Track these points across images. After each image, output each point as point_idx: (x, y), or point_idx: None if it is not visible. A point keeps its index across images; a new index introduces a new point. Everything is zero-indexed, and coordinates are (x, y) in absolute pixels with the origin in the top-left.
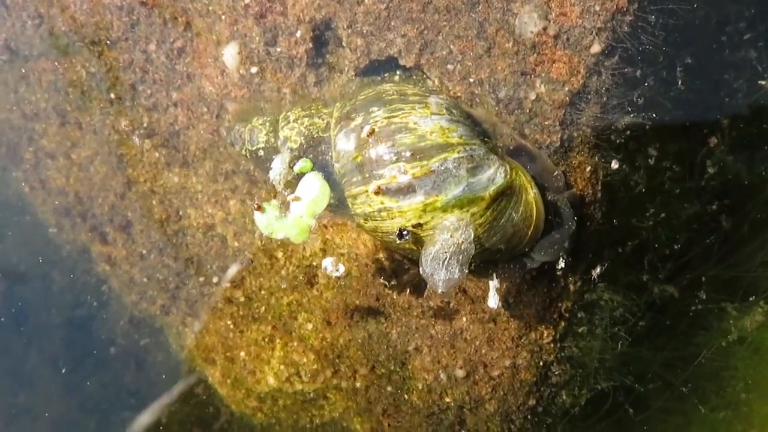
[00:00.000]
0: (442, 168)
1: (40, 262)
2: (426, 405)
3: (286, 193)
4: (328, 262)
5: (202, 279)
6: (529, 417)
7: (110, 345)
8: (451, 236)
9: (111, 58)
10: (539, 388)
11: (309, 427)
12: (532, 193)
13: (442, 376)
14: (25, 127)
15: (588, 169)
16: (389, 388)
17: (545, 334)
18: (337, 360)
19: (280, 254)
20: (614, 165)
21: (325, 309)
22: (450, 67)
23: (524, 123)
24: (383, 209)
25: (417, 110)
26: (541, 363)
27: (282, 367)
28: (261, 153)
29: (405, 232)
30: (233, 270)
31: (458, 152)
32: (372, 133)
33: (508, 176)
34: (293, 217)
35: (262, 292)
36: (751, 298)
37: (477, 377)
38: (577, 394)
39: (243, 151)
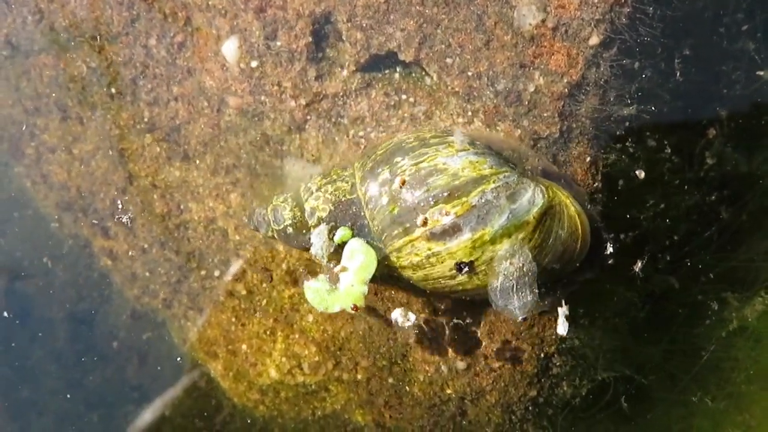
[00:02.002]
0: (483, 201)
1: (43, 257)
2: (427, 396)
3: (331, 266)
4: (397, 314)
5: (203, 272)
6: (530, 408)
7: (113, 339)
8: (510, 264)
9: (111, 53)
10: (540, 379)
11: (311, 420)
12: (573, 208)
13: (443, 367)
14: (27, 122)
15: (587, 159)
16: (390, 380)
17: (546, 326)
18: (338, 352)
19: (281, 247)
20: (641, 175)
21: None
22: (449, 60)
23: (523, 115)
24: (432, 255)
25: (442, 151)
26: (542, 354)
27: (283, 359)
28: (290, 230)
29: (463, 265)
30: (236, 266)
31: (494, 182)
32: (403, 183)
33: (547, 195)
34: (345, 287)
35: (264, 285)
36: (751, 288)
37: (478, 369)
38: (578, 385)
39: (270, 233)
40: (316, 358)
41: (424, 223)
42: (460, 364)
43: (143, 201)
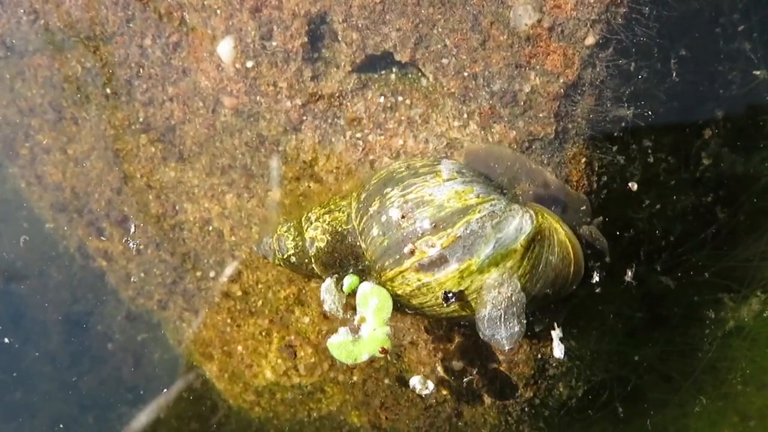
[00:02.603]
0: (468, 231)
1: (37, 258)
2: (423, 398)
3: (348, 317)
4: (415, 381)
5: (199, 274)
6: (526, 409)
7: (107, 341)
8: (498, 293)
9: (106, 54)
10: (536, 380)
11: (307, 421)
12: (563, 232)
13: (439, 368)
14: (21, 122)
15: (583, 160)
16: (386, 381)
17: (543, 328)
18: None
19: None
20: (633, 187)
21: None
22: (445, 61)
23: (518, 116)
24: (422, 285)
25: (429, 181)
26: (538, 356)
27: (279, 360)
28: (293, 259)
29: (450, 295)
30: (231, 268)
31: (479, 212)
32: (403, 217)
33: (535, 221)
34: (367, 334)
35: (259, 286)
36: (747, 289)
37: (474, 370)
38: (574, 386)
39: (276, 261)
40: (312, 359)
41: (412, 253)
42: (456, 365)
43: (138, 202)
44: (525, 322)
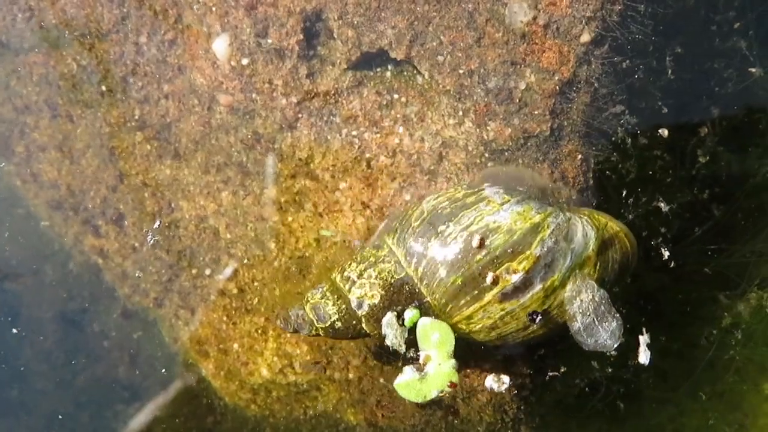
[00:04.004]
0: (545, 249)
1: (32, 255)
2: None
3: (412, 354)
4: (489, 381)
5: (194, 271)
6: (522, 407)
7: (103, 339)
8: (581, 301)
9: (102, 51)
10: (533, 378)
11: (302, 419)
12: (616, 227)
13: None
14: (17, 120)
15: (579, 157)
16: (382, 379)
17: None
18: (329, 351)
19: (272, 245)
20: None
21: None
22: (440, 58)
23: (514, 113)
24: (506, 314)
25: (485, 209)
26: (535, 356)
27: (275, 358)
28: (338, 325)
29: (535, 314)
30: (229, 270)
31: (548, 227)
32: (481, 243)
33: (594, 225)
34: (434, 370)
35: (255, 283)
36: (744, 286)
37: (469, 368)
38: (571, 385)
39: (314, 331)
40: (308, 357)
41: (495, 283)
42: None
43: (134, 199)
44: (618, 315)
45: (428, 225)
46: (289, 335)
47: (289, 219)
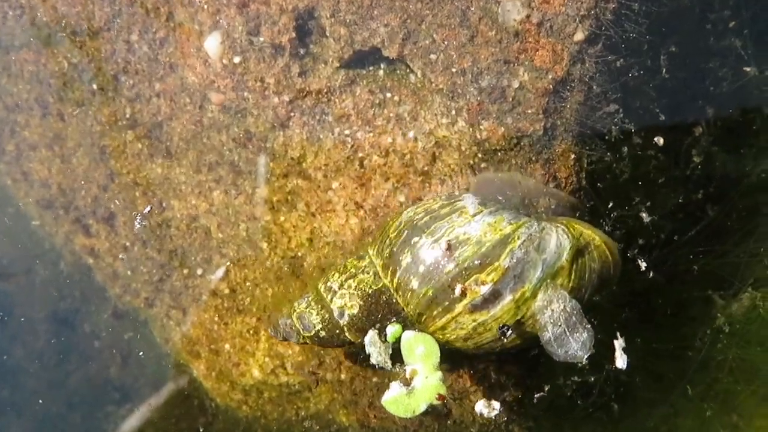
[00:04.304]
0: (514, 261)
1: (23, 255)
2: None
3: (397, 369)
4: (480, 406)
5: (186, 271)
6: (515, 408)
7: (94, 339)
8: (552, 311)
9: (93, 49)
10: (525, 379)
11: (294, 420)
12: (597, 237)
13: None
14: (7, 118)
15: (572, 157)
16: (375, 379)
17: None
18: (321, 351)
19: (264, 245)
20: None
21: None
22: (433, 56)
23: (507, 112)
24: (478, 325)
25: (456, 221)
26: (527, 354)
27: (267, 359)
28: (322, 334)
29: (506, 328)
30: (221, 271)
31: (518, 238)
32: (449, 247)
33: (571, 235)
34: (421, 384)
35: (247, 283)
36: (737, 287)
37: (462, 369)
38: (563, 385)
39: (302, 340)
40: (300, 358)
41: (464, 295)
42: (443, 365)
43: (125, 198)
44: (589, 326)
45: (403, 236)
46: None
47: (282, 219)
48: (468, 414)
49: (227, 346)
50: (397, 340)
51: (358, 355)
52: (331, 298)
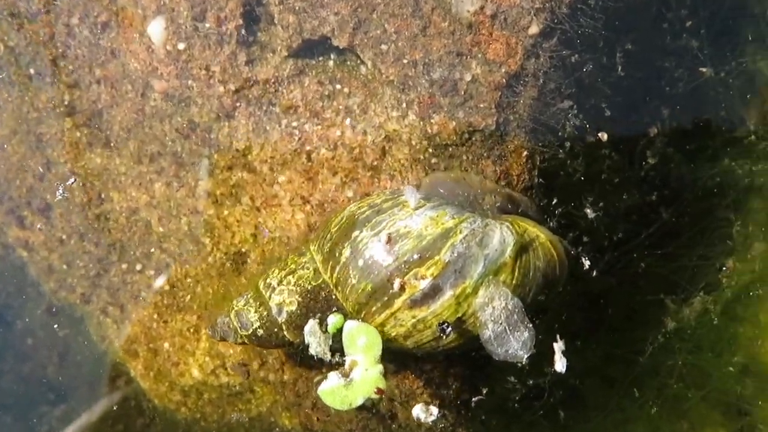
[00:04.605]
0: (455, 255)
1: None
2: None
3: (337, 360)
4: (418, 410)
5: (124, 266)
6: (462, 411)
7: (28, 336)
8: (493, 308)
9: (31, 32)
10: (473, 381)
11: (235, 423)
12: (543, 236)
13: None
14: None
15: (524, 154)
16: (318, 380)
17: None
18: (264, 351)
19: (207, 240)
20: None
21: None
22: (384, 47)
23: (459, 106)
24: (418, 322)
25: (398, 214)
26: (476, 355)
27: (207, 358)
28: (260, 332)
29: (446, 325)
30: (161, 280)
31: (460, 233)
32: (389, 240)
33: (515, 231)
34: (360, 376)
35: (188, 280)
36: (689, 291)
37: (408, 371)
38: (512, 389)
39: (239, 339)
40: (241, 358)
41: (402, 290)
42: (390, 366)
43: (62, 189)
44: (531, 325)
45: (344, 231)
46: None
47: (225, 213)
48: (413, 418)
49: (166, 344)
50: (338, 331)
51: (300, 356)
52: (270, 295)
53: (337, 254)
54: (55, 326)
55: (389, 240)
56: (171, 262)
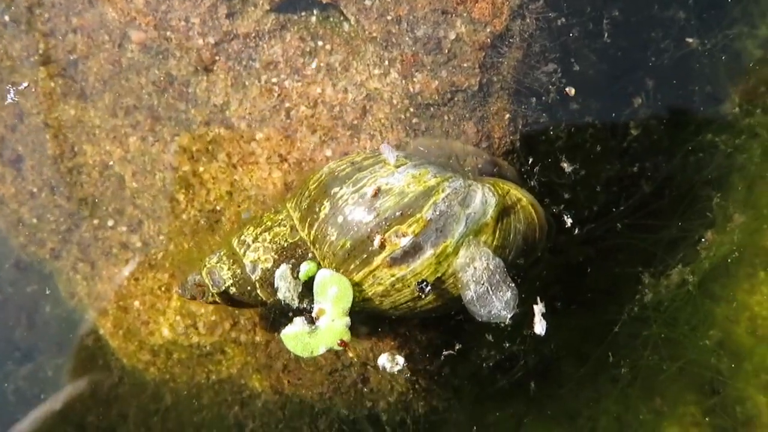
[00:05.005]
0: (437, 213)
1: None
2: (329, 362)
3: (304, 306)
4: (383, 360)
5: (96, 222)
6: (435, 378)
7: None
8: (475, 269)
9: None
10: (447, 347)
11: (205, 384)
12: (524, 198)
13: None
14: None
15: (507, 116)
16: None
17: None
18: (236, 312)
19: (181, 197)
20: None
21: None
22: (368, 2)
23: (442, 65)
24: (396, 281)
25: (379, 171)
26: (450, 322)
27: (178, 318)
28: (233, 290)
29: (425, 284)
30: (131, 266)
31: (443, 191)
32: (377, 192)
33: (497, 193)
34: (325, 325)
35: (161, 237)
36: (667, 262)
37: (382, 333)
38: (487, 356)
39: (210, 298)
40: (213, 318)
41: (382, 247)
42: (363, 329)
43: (34, 141)
44: (513, 285)
45: (323, 188)
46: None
47: (201, 169)
48: (386, 382)
49: (137, 303)
50: (309, 280)
51: (273, 317)
52: (245, 252)
53: (316, 210)
54: (24, 282)
55: (376, 193)
56: (144, 219)
